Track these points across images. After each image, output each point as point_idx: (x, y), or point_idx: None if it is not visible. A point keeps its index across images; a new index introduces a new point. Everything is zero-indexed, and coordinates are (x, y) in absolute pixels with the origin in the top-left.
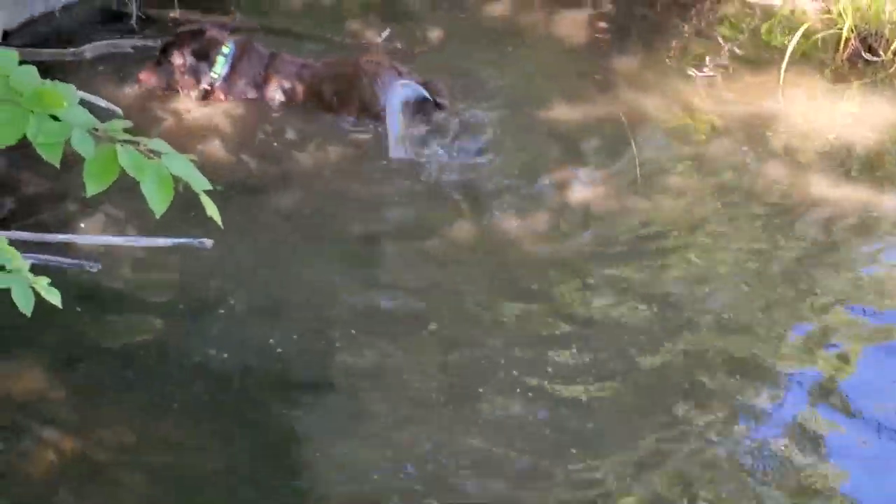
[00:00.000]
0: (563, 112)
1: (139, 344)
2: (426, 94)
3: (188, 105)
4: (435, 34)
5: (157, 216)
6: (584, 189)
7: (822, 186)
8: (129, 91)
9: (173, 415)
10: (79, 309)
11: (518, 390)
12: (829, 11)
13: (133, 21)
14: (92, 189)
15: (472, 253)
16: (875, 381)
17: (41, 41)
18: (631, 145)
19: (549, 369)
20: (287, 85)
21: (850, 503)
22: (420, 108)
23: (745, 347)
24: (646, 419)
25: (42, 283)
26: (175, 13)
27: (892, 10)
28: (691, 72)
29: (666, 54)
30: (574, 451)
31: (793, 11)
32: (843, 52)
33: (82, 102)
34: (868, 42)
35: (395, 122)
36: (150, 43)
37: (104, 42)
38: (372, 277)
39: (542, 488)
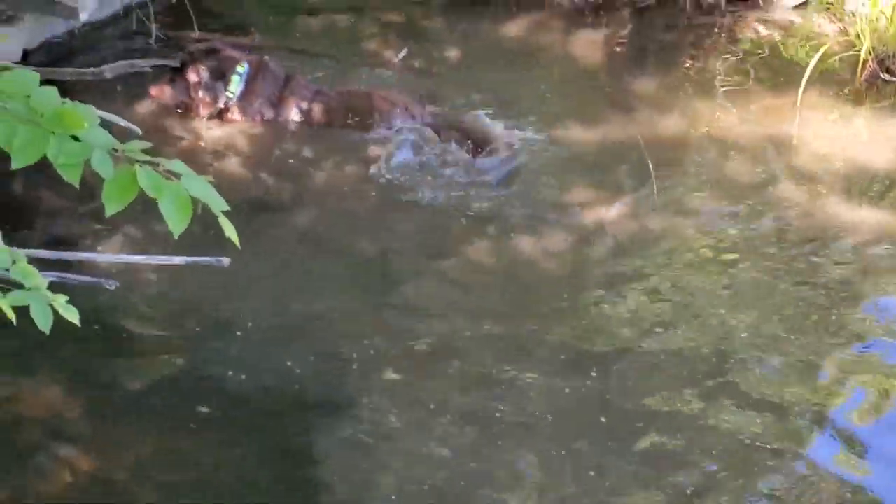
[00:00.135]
0: (579, 132)
1: (156, 363)
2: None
3: (204, 124)
4: (451, 54)
5: (176, 237)
6: (601, 209)
7: (842, 209)
8: (148, 110)
9: (190, 434)
10: (96, 327)
11: (537, 413)
12: (846, 33)
13: (152, 41)
14: (111, 209)
15: (489, 274)
16: None
17: (61, 61)
18: (648, 166)
19: (567, 391)
20: (303, 107)
21: None
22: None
23: (768, 376)
24: (664, 441)
25: (60, 300)
26: (195, 34)
27: None
28: (708, 92)
29: (683, 75)
30: (592, 473)
31: (811, 33)
32: (861, 73)
33: (102, 122)
34: (886, 64)
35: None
36: (168, 63)
37: (124, 62)
38: (389, 298)
39: None
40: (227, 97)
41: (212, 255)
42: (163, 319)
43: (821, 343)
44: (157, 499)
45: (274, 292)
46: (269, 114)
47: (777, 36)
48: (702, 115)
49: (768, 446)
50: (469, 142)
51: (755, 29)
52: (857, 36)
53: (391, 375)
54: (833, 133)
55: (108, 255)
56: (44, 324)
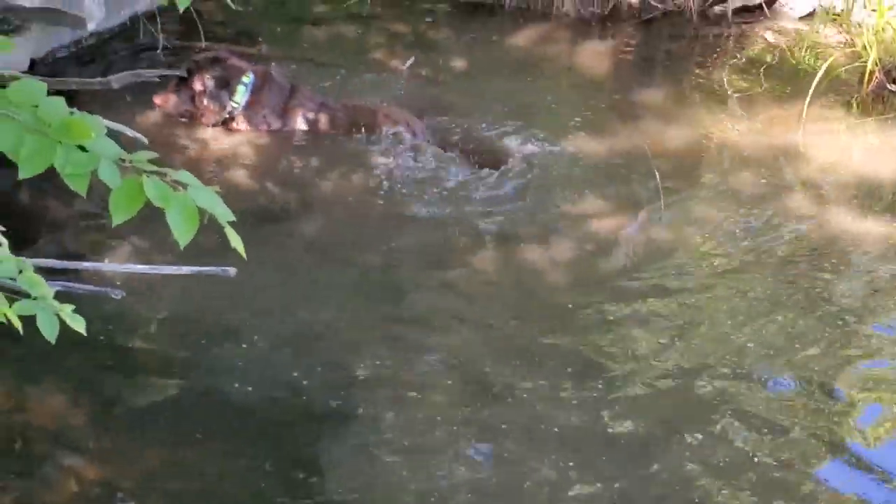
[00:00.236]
0: (586, 142)
1: (162, 373)
2: None
3: (210, 133)
4: (458, 64)
5: (182, 247)
6: (608, 220)
7: (849, 221)
8: (154, 120)
9: (196, 444)
10: (102, 337)
11: (543, 426)
12: (853, 44)
13: (160, 51)
14: (118, 219)
15: (496, 285)
16: None
17: (68, 70)
18: (655, 176)
19: (575, 403)
20: (308, 118)
21: None
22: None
23: (778, 393)
24: (672, 456)
25: (67, 310)
26: (201, 44)
27: None
28: (715, 102)
29: (690, 85)
30: (599, 485)
31: (818, 44)
32: (868, 84)
33: (109, 132)
34: (893, 75)
35: None
36: (175, 73)
37: (130, 72)
38: (395, 308)
39: None
40: (232, 106)
41: (217, 264)
42: (168, 329)
43: (831, 359)
44: None
45: (280, 302)
46: (274, 124)
47: (784, 46)
48: (708, 126)
49: (778, 464)
50: (474, 155)
51: (762, 39)
52: (864, 47)
53: (397, 387)
54: (840, 144)
55: (114, 265)
56: (50, 333)
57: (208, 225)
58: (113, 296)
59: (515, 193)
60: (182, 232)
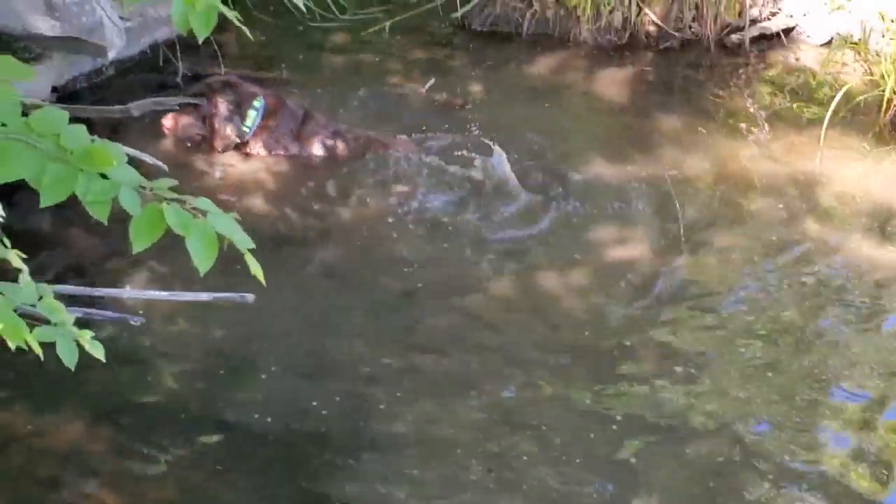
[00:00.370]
0: (604, 169)
1: (181, 401)
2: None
3: (225, 159)
4: (476, 89)
5: (202, 274)
6: (627, 248)
7: (864, 249)
8: (173, 147)
9: (214, 473)
10: (121, 363)
11: (564, 458)
12: (871, 73)
13: (179, 78)
14: (138, 246)
15: (514, 312)
16: None
17: (89, 98)
18: (675, 204)
19: (592, 436)
20: (325, 143)
21: None
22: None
23: (787, 419)
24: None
25: (86, 336)
26: (221, 71)
27: None
28: (733, 130)
29: (708, 113)
30: None
31: (836, 73)
32: (886, 113)
33: (129, 160)
34: None
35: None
36: (194, 100)
37: (150, 99)
38: (414, 337)
39: None
40: (244, 131)
41: (236, 290)
42: (187, 356)
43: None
44: None
45: (298, 328)
46: (291, 148)
47: (801, 75)
48: (727, 153)
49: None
50: (487, 183)
51: (780, 67)
52: (882, 76)
53: (416, 415)
54: (856, 173)
55: (133, 291)
56: (69, 360)
57: (226, 251)
58: (132, 322)
59: (534, 221)
60: (202, 259)
